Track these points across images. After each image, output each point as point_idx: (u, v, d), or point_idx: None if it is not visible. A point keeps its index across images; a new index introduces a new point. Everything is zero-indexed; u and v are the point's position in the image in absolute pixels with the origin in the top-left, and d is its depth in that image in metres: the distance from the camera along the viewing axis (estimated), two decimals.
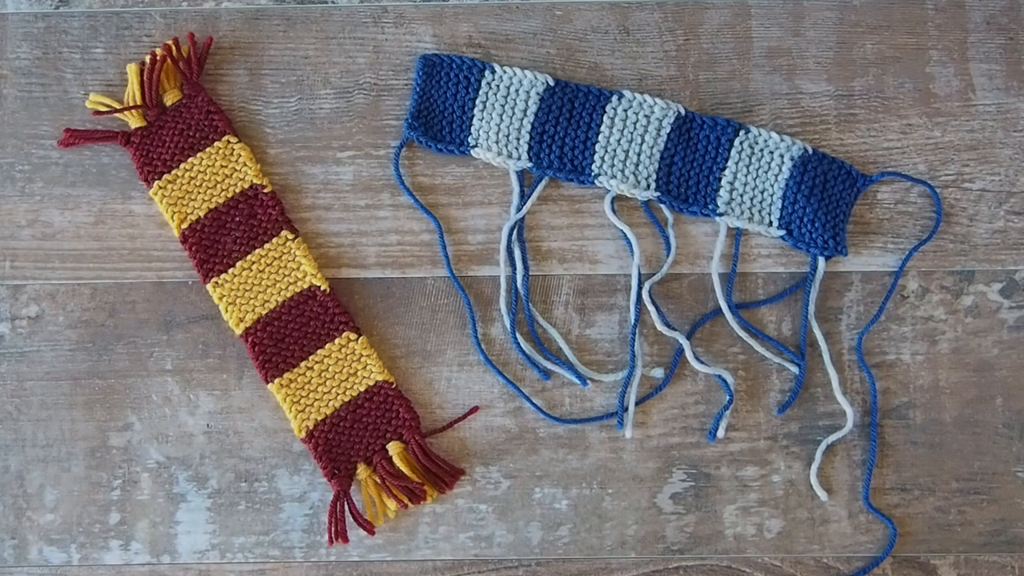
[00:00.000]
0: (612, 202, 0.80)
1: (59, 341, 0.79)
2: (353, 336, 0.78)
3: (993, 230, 0.80)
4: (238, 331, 0.78)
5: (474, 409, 0.79)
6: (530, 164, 0.80)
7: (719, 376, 0.78)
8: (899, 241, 0.80)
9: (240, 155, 0.80)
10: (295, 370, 0.78)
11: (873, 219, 0.80)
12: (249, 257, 0.79)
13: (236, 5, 0.82)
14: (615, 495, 0.78)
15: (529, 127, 0.79)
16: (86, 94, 0.81)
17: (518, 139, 0.79)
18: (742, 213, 0.79)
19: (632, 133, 0.79)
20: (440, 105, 0.80)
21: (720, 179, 0.79)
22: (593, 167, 0.79)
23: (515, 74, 0.80)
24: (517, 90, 0.80)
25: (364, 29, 0.82)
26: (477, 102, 0.80)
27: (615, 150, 0.79)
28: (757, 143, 0.79)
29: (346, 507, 0.76)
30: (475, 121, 0.80)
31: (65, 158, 0.81)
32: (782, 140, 0.79)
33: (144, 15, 0.82)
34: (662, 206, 0.80)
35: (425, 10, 0.82)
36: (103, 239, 0.80)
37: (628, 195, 0.79)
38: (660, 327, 0.78)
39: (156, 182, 0.79)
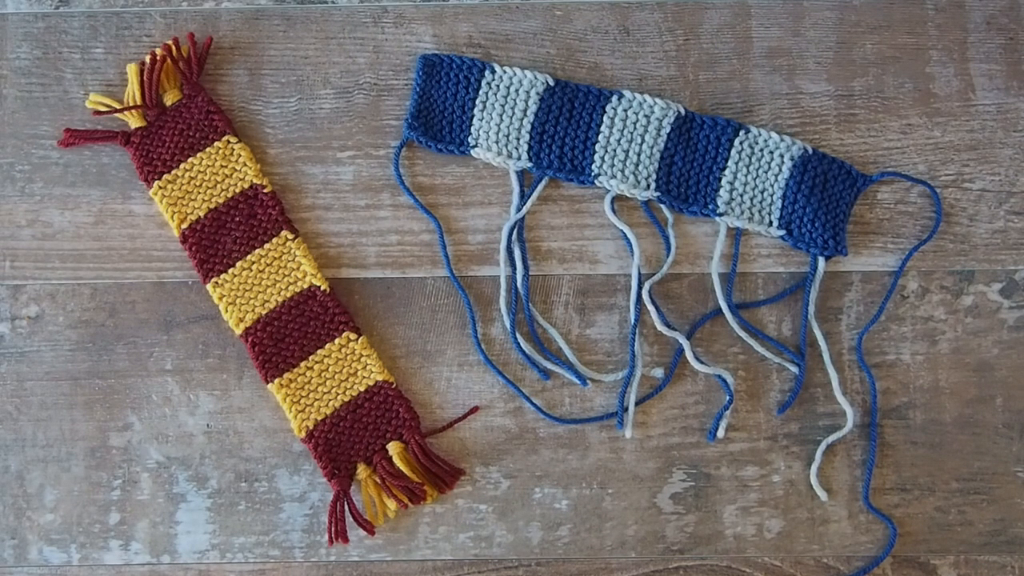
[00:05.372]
0: (612, 202, 0.80)
1: (59, 341, 0.79)
2: (353, 336, 0.78)
3: (993, 230, 0.80)
4: (238, 331, 0.78)
5: (474, 409, 0.79)
6: (530, 164, 0.80)
7: (719, 376, 0.78)
8: (899, 241, 0.80)
9: (240, 155, 0.80)
10: (295, 370, 0.78)
11: (873, 219, 0.80)
12: (249, 257, 0.79)
13: (236, 5, 0.82)
14: (615, 495, 0.78)
15: (529, 127, 0.79)
16: (86, 94, 0.81)
17: (518, 139, 0.79)
18: (742, 213, 0.79)
19: (632, 133, 0.79)
20: (440, 105, 0.80)
21: (720, 179, 0.79)
22: (593, 167, 0.79)
23: (515, 74, 0.80)
24: (517, 90, 0.80)
25: (364, 29, 0.82)
26: (477, 102, 0.80)
27: (615, 150, 0.79)
28: (757, 143, 0.79)
29: (346, 507, 0.76)
30: (475, 121, 0.80)
31: (65, 158, 0.81)
32: (782, 140, 0.79)
33: (144, 15, 0.82)
34: (662, 206, 0.80)
35: (425, 10, 0.82)
36: (103, 239, 0.80)
37: (628, 195, 0.79)
38: (660, 327, 0.78)
39: (156, 182, 0.79)
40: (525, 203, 0.80)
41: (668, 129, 0.79)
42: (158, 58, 0.80)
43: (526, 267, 0.79)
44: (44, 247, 0.80)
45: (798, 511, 0.78)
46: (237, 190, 0.80)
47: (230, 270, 0.79)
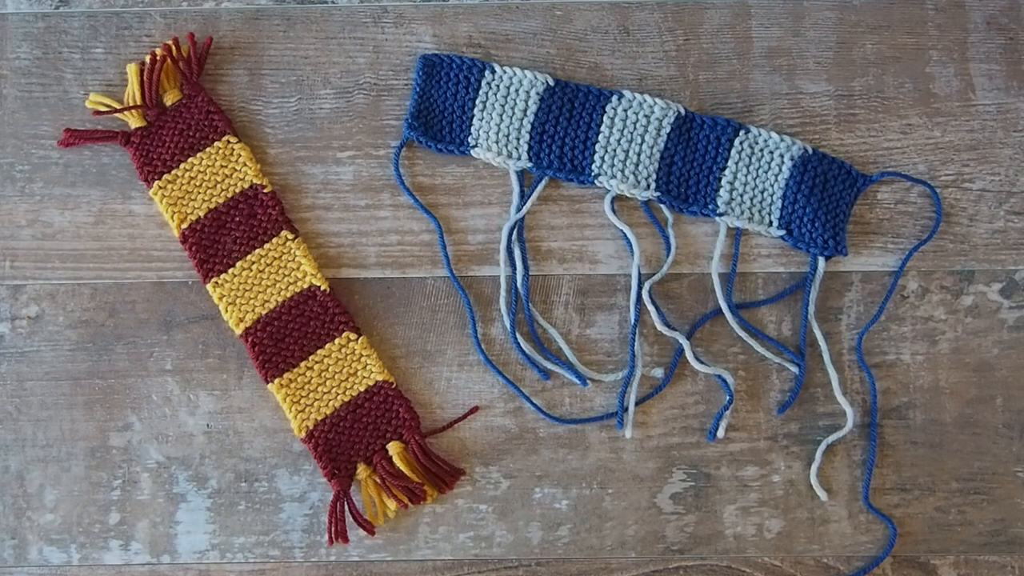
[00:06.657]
0: (612, 202, 0.80)
1: (59, 341, 0.79)
2: (353, 336, 0.78)
3: (993, 230, 0.80)
4: (238, 331, 0.78)
5: (474, 409, 0.79)
6: (530, 164, 0.80)
7: (719, 376, 0.78)
8: (899, 241, 0.80)
9: (240, 155, 0.80)
10: (295, 370, 0.78)
11: (873, 219, 0.80)
12: (249, 257, 0.79)
13: (236, 5, 0.82)
14: (615, 495, 0.78)
15: (529, 127, 0.79)
16: (86, 94, 0.81)
17: (518, 139, 0.79)
18: (742, 213, 0.79)
19: (632, 133, 0.79)
20: (440, 105, 0.80)
21: (720, 179, 0.79)
22: (593, 167, 0.79)
23: (515, 74, 0.80)
24: (517, 90, 0.80)
25: (364, 29, 0.82)
26: (477, 102, 0.80)
27: (615, 150, 0.79)
28: (757, 143, 0.79)
29: (346, 507, 0.76)
30: (475, 121, 0.80)
31: (65, 158, 0.81)
32: (782, 140, 0.79)
33: (144, 15, 0.82)
34: (662, 206, 0.80)
35: (425, 10, 0.82)
36: (103, 239, 0.80)
37: (628, 195, 0.79)
38: (660, 327, 0.78)
39: (156, 182, 0.79)
40: (525, 203, 0.80)
41: (668, 129, 0.79)
42: (158, 58, 0.80)
43: (526, 267, 0.79)
44: (44, 247, 0.80)
45: (798, 511, 0.78)
46: (237, 190, 0.80)
47: (230, 270, 0.79)
